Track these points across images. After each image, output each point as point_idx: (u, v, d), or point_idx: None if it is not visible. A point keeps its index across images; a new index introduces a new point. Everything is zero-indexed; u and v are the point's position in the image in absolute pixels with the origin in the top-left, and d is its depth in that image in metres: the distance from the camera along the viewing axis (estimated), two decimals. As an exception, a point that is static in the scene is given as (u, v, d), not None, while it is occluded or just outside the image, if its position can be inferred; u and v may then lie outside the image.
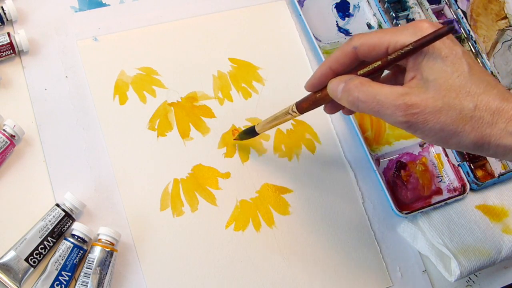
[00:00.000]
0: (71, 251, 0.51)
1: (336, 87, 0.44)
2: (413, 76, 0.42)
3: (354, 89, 0.42)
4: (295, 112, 0.51)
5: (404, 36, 0.41)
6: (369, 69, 0.43)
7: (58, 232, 0.52)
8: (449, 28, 0.39)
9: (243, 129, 0.61)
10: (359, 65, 0.45)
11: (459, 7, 0.71)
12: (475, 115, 0.40)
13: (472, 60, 0.41)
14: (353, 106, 0.43)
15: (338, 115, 0.65)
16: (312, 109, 0.50)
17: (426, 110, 0.40)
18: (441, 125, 0.40)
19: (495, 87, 0.40)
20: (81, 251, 0.52)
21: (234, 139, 0.61)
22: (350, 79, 0.43)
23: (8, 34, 0.58)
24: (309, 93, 0.49)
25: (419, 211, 0.60)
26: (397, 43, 0.41)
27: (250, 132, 0.58)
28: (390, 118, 0.41)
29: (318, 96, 0.48)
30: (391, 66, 0.46)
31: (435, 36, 0.39)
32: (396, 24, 0.69)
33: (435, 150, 0.65)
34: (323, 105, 0.50)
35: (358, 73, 0.44)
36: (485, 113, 0.40)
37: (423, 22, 0.42)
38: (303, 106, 0.50)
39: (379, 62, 0.42)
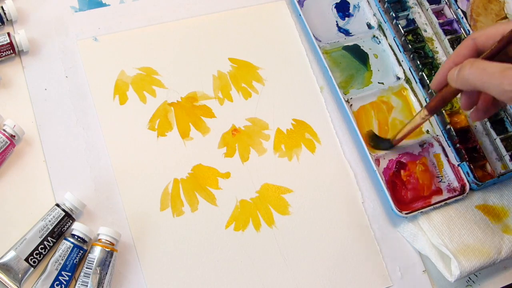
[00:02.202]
0: (71, 251, 0.51)
1: (453, 72, 0.48)
2: None
3: (466, 66, 0.47)
4: (427, 115, 0.56)
5: None
6: (487, 52, 0.48)
7: (58, 232, 0.52)
8: None
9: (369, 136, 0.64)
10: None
11: (459, 7, 0.71)
12: None
13: None
14: (464, 81, 0.47)
15: (338, 115, 0.65)
16: (441, 107, 0.55)
17: None
18: None
19: None
20: (81, 251, 0.52)
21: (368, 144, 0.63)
22: (466, 60, 0.47)
23: (8, 34, 0.58)
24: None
25: (419, 211, 0.60)
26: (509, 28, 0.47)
27: (385, 145, 0.63)
28: (497, 88, 0.44)
29: (443, 92, 0.52)
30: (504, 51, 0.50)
31: None
32: (396, 25, 0.69)
33: (435, 150, 0.65)
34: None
35: (480, 57, 0.48)
36: None
37: None
38: (431, 106, 0.55)
39: (495, 44, 0.47)
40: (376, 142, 0.64)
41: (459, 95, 0.54)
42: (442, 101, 0.54)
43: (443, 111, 0.65)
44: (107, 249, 0.51)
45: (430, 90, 0.66)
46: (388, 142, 0.63)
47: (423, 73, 0.66)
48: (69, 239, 0.51)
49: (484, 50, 0.49)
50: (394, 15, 0.69)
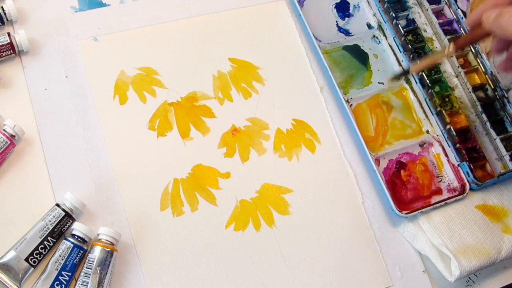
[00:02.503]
0: (71, 251, 0.51)
1: (490, 15, 0.48)
2: None
3: (506, 14, 0.46)
4: (453, 50, 0.55)
5: None
6: None
7: (58, 232, 0.52)
8: None
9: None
10: None
11: (459, 7, 0.71)
12: None
13: None
14: (500, 28, 0.47)
15: (338, 115, 0.65)
16: (469, 45, 0.56)
17: None
18: None
19: None
20: (81, 251, 0.52)
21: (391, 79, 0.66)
22: (505, 8, 0.47)
23: (8, 34, 0.58)
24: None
25: (419, 211, 0.60)
26: None
27: (403, 74, 0.65)
28: None
29: (475, 31, 0.51)
30: None
31: None
32: (396, 25, 0.69)
33: (435, 150, 0.65)
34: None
35: None
36: None
37: None
38: (460, 42, 0.54)
39: None
40: (396, 77, 0.66)
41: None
42: (471, 40, 0.55)
43: (443, 111, 0.65)
44: (107, 249, 0.51)
45: (430, 90, 0.66)
46: (405, 71, 0.65)
47: (423, 73, 0.66)
48: (69, 239, 0.51)
49: None
50: (394, 15, 0.69)
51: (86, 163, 0.57)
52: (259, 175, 0.60)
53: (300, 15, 0.68)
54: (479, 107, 0.66)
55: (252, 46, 0.67)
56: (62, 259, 0.51)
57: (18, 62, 0.60)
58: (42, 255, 0.51)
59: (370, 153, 0.62)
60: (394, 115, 0.67)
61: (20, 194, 0.54)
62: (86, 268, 0.51)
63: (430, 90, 0.66)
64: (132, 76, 0.62)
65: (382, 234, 0.61)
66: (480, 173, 0.64)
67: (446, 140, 0.65)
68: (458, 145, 0.63)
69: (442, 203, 0.61)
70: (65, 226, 0.52)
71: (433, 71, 0.68)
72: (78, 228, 0.52)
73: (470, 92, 0.67)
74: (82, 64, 0.61)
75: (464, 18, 0.70)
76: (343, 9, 0.72)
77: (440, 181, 0.64)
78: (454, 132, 0.64)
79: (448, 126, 0.64)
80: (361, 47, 0.70)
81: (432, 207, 0.60)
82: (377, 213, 0.62)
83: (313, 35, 0.67)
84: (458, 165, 0.63)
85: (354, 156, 0.64)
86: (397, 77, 0.66)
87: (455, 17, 0.71)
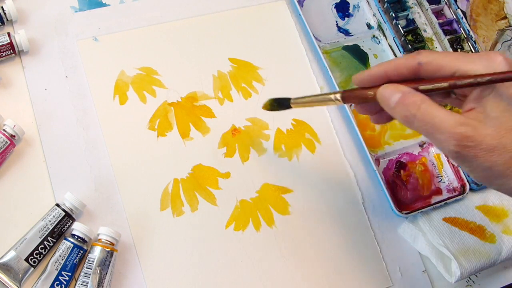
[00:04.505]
0: (71, 251, 0.51)
1: (390, 96, 0.42)
2: (473, 107, 0.41)
3: (413, 106, 0.41)
4: (339, 101, 0.48)
5: (476, 65, 0.40)
6: (432, 87, 0.41)
7: (58, 232, 0.52)
8: None
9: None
10: (415, 79, 0.43)
11: (458, 7, 0.71)
12: None
13: None
14: (405, 122, 0.42)
15: (338, 115, 0.65)
16: (357, 103, 0.48)
17: (480, 145, 0.39)
18: (490, 164, 0.39)
19: None
20: (81, 251, 0.52)
21: (263, 108, 0.56)
22: (409, 92, 0.41)
23: (8, 34, 0.58)
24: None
25: (419, 211, 0.60)
26: (468, 71, 0.40)
27: (283, 104, 0.54)
28: (441, 144, 0.40)
29: (367, 94, 0.45)
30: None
31: None
32: (396, 25, 0.69)
33: (435, 150, 0.65)
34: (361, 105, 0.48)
35: (420, 87, 0.42)
36: None
37: (497, 55, 0.40)
38: (348, 97, 0.47)
39: (446, 84, 0.41)
40: (274, 103, 0.55)
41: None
42: (360, 100, 0.47)
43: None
44: (107, 249, 0.51)
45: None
46: (287, 101, 0.53)
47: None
48: (69, 239, 0.51)
49: (425, 77, 0.43)
50: (394, 15, 0.69)
51: (86, 163, 0.57)
52: (259, 175, 0.60)
53: (300, 15, 0.68)
54: (479, 107, 0.66)
55: (252, 46, 0.67)
56: (62, 259, 0.51)
57: (18, 62, 0.60)
58: (42, 255, 0.51)
59: (370, 153, 0.62)
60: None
61: (20, 194, 0.54)
62: (86, 268, 0.51)
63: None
64: (132, 76, 0.62)
65: (382, 234, 0.61)
66: (480, 173, 0.64)
67: (446, 140, 0.64)
68: (458, 145, 0.63)
69: (442, 203, 0.61)
70: (65, 226, 0.52)
71: (433, 71, 0.68)
72: (78, 228, 0.52)
73: (470, 92, 0.67)
74: (82, 64, 0.61)
75: (463, 18, 0.70)
76: (343, 9, 0.72)
77: (440, 181, 0.64)
78: (454, 132, 0.63)
79: (448, 126, 0.64)
80: (361, 47, 0.70)
81: (432, 207, 0.60)
82: (377, 213, 0.62)
83: (313, 35, 0.67)
84: (458, 165, 0.63)
85: (354, 156, 0.64)
86: (274, 104, 0.55)
87: (455, 17, 0.71)
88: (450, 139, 0.39)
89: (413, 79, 0.43)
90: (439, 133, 0.40)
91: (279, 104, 0.55)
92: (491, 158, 0.39)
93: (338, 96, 0.47)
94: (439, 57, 0.42)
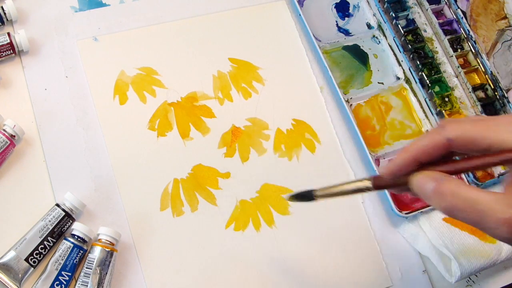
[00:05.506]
0: (71, 251, 0.51)
1: (424, 186, 0.38)
2: None
3: (450, 195, 0.36)
4: (369, 188, 0.43)
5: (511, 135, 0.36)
6: (466, 166, 0.38)
7: (58, 232, 0.52)
8: None
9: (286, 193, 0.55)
10: (447, 159, 0.39)
11: (459, 7, 0.71)
12: None
13: None
14: (447, 213, 0.37)
15: (338, 115, 0.65)
16: (389, 189, 0.45)
17: None
18: None
19: None
20: (81, 251, 0.52)
21: (287, 198, 0.51)
22: (442, 179, 0.37)
23: (8, 34, 0.58)
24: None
25: (419, 211, 0.60)
26: (503, 142, 0.36)
27: (306, 197, 0.48)
28: (493, 231, 0.35)
29: (401, 183, 0.41)
30: None
31: None
32: (396, 25, 0.69)
33: (435, 150, 0.65)
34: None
35: (458, 167, 0.38)
36: None
37: None
38: (379, 185, 0.43)
39: (497, 160, 0.36)
40: (298, 197, 0.49)
41: None
42: (393, 188, 0.43)
43: (443, 111, 0.65)
44: (107, 249, 0.51)
45: (430, 90, 0.66)
46: (310, 193, 0.47)
47: (422, 73, 0.66)
48: (69, 239, 0.51)
49: (457, 152, 0.39)
50: (394, 15, 0.69)
51: (86, 163, 0.57)
52: (259, 175, 0.60)
53: (300, 15, 0.68)
54: (479, 107, 0.66)
55: (252, 46, 0.67)
56: (62, 259, 0.51)
57: (18, 62, 0.60)
58: (42, 255, 0.51)
59: (370, 153, 0.62)
60: (393, 115, 0.67)
61: (20, 194, 0.54)
62: (86, 268, 0.51)
63: (430, 90, 0.66)
64: (132, 76, 0.62)
65: (382, 234, 0.61)
66: (480, 173, 0.64)
67: (446, 140, 0.64)
68: (458, 145, 0.63)
69: (442, 203, 0.61)
70: (65, 226, 0.52)
71: (433, 71, 0.68)
72: (78, 228, 0.52)
73: (470, 92, 0.67)
74: (82, 64, 0.61)
75: (464, 18, 0.70)
76: (343, 9, 0.72)
77: (440, 181, 0.64)
78: (454, 132, 0.63)
79: (448, 126, 0.64)
80: (361, 47, 0.70)
81: (432, 207, 0.60)
82: (377, 213, 0.62)
83: (313, 35, 0.67)
84: None
85: (354, 156, 0.64)
86: (298, 198, 0.49)
87: (455, 17, 0.71)
88: (502, 227, 0.34)
89: (446, 158, 0.39)
90: (488, 221, 0.35)
91: (302, 197, 0.49)
92: None
93: (368, 183, 0.43)
94: (468, 129, 0.37)
